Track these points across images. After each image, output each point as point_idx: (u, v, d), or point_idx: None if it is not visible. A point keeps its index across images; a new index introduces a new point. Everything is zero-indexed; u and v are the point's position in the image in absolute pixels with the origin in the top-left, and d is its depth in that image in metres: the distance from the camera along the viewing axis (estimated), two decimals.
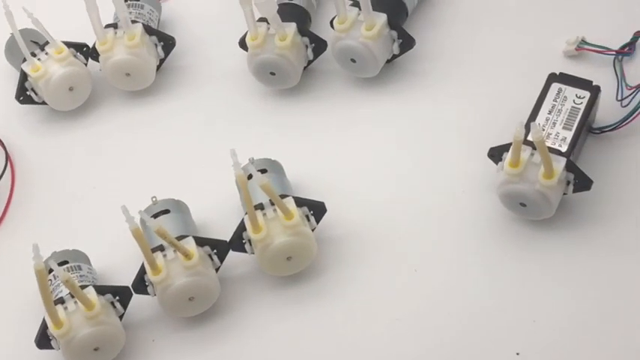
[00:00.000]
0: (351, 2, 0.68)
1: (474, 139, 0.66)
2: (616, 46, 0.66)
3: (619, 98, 0.63)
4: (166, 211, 0.64)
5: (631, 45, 0.66)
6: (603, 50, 0.66)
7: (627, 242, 0.60)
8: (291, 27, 0.69)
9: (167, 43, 0.74)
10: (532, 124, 0.56)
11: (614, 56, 0.66)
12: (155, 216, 0.64)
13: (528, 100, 0.64)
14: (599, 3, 0.70)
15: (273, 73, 0.70)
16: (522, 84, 0.67)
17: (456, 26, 0.72)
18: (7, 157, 0.73)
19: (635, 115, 0.61)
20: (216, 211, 0.67)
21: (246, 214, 0.60)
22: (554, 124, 0.60)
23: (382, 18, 0.67)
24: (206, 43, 0.78)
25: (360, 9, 0.67)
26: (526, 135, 0.59)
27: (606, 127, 0.63)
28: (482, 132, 0.66)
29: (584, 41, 0.67)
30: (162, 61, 0.75)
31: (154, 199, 0.65)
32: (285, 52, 0.68)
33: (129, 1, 0.75)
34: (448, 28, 0.72)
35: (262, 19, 0.69)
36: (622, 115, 0.62)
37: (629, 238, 0.60)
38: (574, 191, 0.59)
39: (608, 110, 0.64)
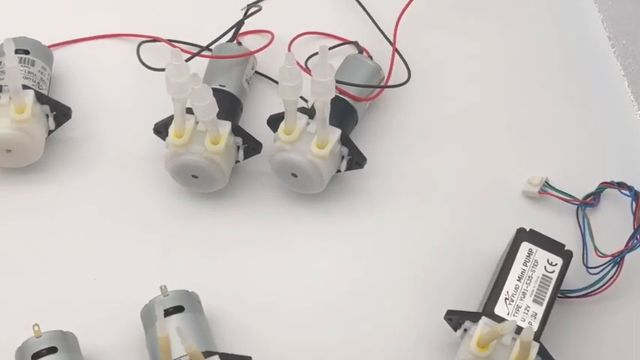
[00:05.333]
0: (301, 107, 0.58)
1: (422, 282, 0.58)
2: (577, 192, 0.61)
3: (587, 264, 0.57)
4: (53, 350, 0.51)
5: (596, 196, 0.61)
6: (567, 199, 0.61)
7: None
8: (226, 127, 0.57)
9: (61, 113, 0.60)
10: (527, 328, 0.48)
11: (577, 206, 0.61)
12: (36, 356, 0.51)
13: (485, 240, 0.59)
14: (563, 142, 0.64)
15: (195, 176, 0.58)
16: (479, 220, 0.60)
17: (407, 139, 0.63)
18: None
19: (606, 285, 0.56)
20: (112, 343, 0.55)
21: None
22: (524, 294, 0.54)
23: (336, 134, 0.57)
24: (109, 111, 0.64)
25: (310, 117, 0.57)
26: (491, 304, 0.52)
27: (571, 292, 0.56)
28: (432, 274, 0.58)
29: (547, 184, 0.61)
30: (50, 131, 0.61)
31: (35, 328, 0.52)
32: (216, 157, 0.57)
33: (17, 54, 0.60)
34: (398, 141, 0.63)
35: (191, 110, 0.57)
36: (588, 279, 0.57)
37: None
38: None
39: (571, 269, 0.58)
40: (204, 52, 0.62)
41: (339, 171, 0.60)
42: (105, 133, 0.63)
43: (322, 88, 0.53)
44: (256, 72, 0.65)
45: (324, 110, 0.54)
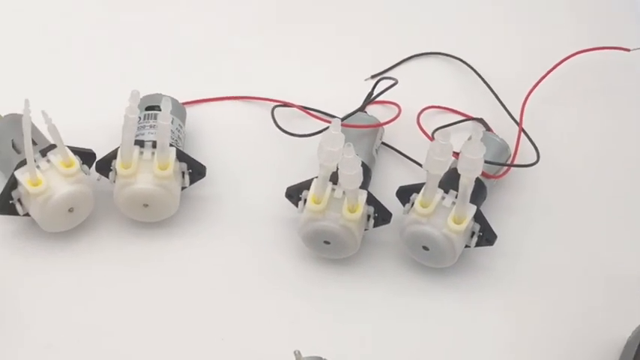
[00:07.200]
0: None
1: None
2: None
3: None
4: None
5: None
6: None
7: None
8: (363, 196, 0.58)
9: (196, 172, 0.61)
10: None
11: None
12: None
13: (608, 325, 0.58)
14: None
15: (327, 242, 0.59)
16: (601, 304, 0.60)
17: (532, 219, 0.63)
18: None
19: None
20: None
21: None
22: None
23: (473, 210, 0.57)
24: (235, 171, 0.65)
25: (445, 192, 0.58)
26: None
27: None
28: (553, 358, 0.58)
29: None
30: (183, 188, 0.62)
31: None
32: (351, 225, 0.57)
33: (155, 110, 0.62)
34: (523, 220, 0.63)
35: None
36: None
37: None
38: None
39: None
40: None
41: (467, 246, 0.60)
42: (231, 192, 0.64)
43: (471, 165, 0.53)
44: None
45: (467, 187, 0.55)
